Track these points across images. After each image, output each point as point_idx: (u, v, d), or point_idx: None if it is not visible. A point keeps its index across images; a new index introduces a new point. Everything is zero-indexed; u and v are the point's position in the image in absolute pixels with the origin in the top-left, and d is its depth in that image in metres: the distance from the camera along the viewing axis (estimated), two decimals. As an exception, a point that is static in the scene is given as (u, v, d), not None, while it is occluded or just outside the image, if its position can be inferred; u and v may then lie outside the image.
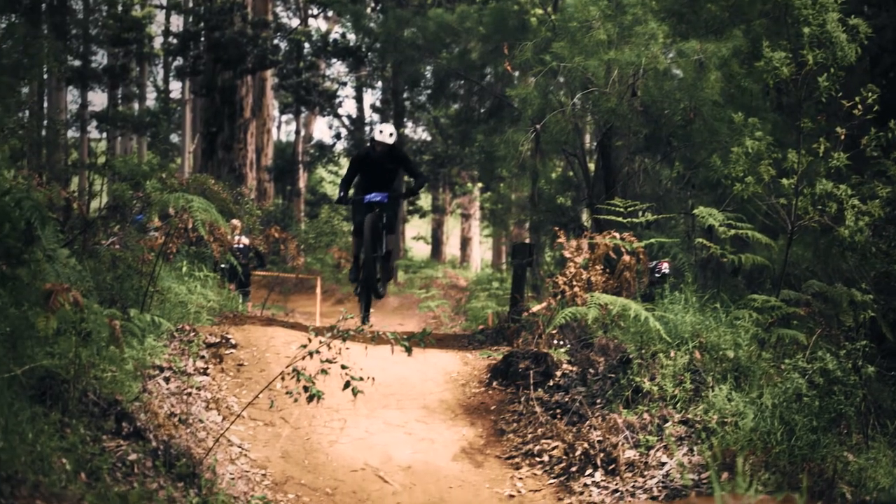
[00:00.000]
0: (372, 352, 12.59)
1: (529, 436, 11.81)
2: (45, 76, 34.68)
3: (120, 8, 42.17)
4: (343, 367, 9.38)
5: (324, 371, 8.85)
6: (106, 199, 16.93)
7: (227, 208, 18.32)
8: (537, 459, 11.28)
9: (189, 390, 11.63)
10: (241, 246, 21.95)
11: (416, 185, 16.26)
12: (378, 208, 15.65)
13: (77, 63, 40.92)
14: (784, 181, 12.79)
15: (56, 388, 8.52)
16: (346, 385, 9.12)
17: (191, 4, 43.86)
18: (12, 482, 5.97)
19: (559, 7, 22.50)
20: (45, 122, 31.87)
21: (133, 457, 8.55)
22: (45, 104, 39.66)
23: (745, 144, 13.33)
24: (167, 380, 11.66)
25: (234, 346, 13.39)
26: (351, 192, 16.11)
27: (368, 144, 15.86)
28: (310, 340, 8.96)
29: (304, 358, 8.88)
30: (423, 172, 15.79)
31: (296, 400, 8.91)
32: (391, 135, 15.46)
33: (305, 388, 8.80)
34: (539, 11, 26.02)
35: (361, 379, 9.43)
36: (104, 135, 44.02)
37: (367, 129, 46.40)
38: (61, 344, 8.92)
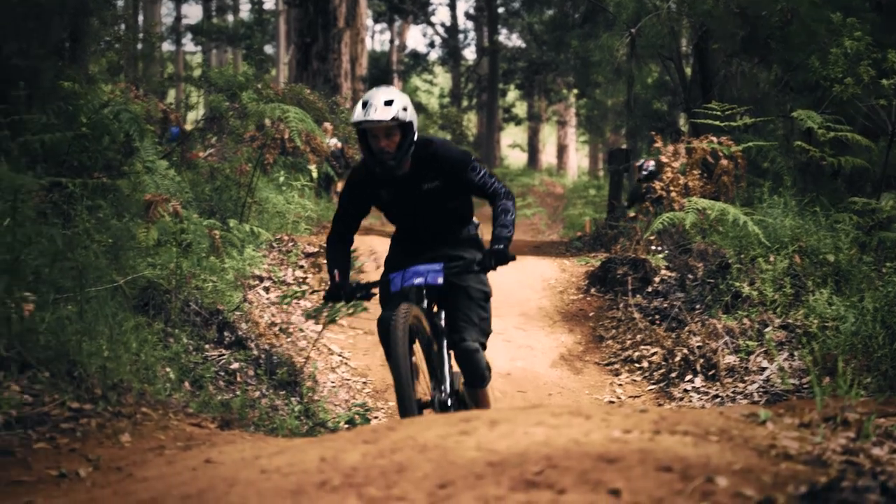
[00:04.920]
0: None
1: (628, 342, 11.81)
2: (141, -10, 34.90)
3: (214, -80, 42.26)
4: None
5: (422, 278, 8.81)
6: (203, 112, 17.06)
7: (323, 118, 18.40)
8: (636, 366, 11.28)
9: (289, 299, 11.74)
10: (334, 150, 22.05)
11: (497, 235, 6.85)
12: (427, 294, 6.94)
13: (172, -24, 41.15)
14: (884, 81, 12.56)
15: (158, 298, 8.64)
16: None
17: (284, -87, 43.74)
18: (118, 390, 6.07)
19: None
20: (141, 36, 32.04)
21: (235, 365, 8.66)
22: (141, 17, 39.93)
23: (843, 45, 13.10)
24: (267, 290, 11.78)
25: (332, 256, 13.48)
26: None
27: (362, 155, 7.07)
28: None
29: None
30: (502, 188, 6.89)
31: (395, 308, 8.91)
32: (388, 103, 6.59)
33: (404, 296, 8.79)
34: (636, -87, 25.60)
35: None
36: (199, 47, 44.29)
37: (461, 37, 46.14)
38: (162, 255, 9.04)
